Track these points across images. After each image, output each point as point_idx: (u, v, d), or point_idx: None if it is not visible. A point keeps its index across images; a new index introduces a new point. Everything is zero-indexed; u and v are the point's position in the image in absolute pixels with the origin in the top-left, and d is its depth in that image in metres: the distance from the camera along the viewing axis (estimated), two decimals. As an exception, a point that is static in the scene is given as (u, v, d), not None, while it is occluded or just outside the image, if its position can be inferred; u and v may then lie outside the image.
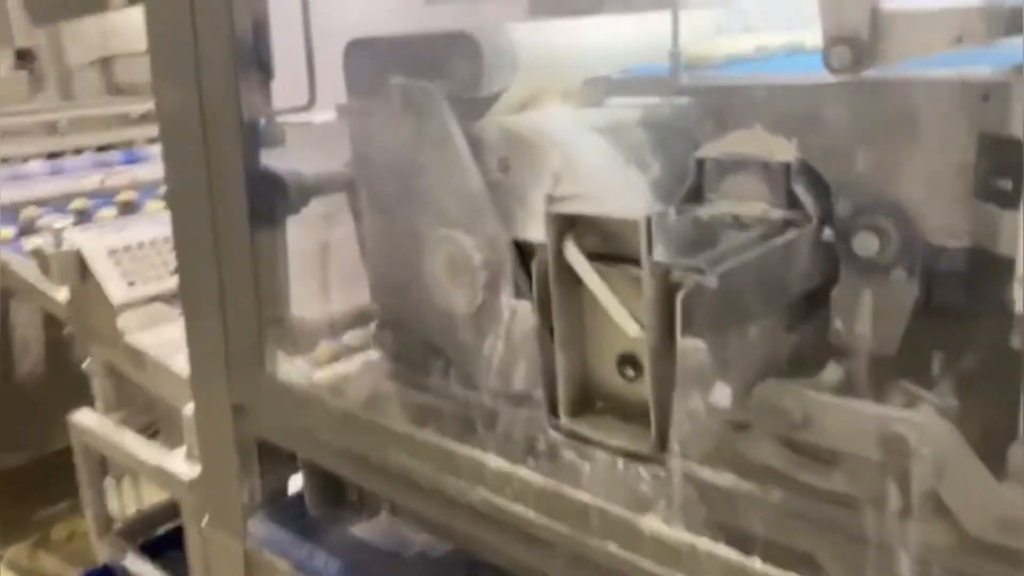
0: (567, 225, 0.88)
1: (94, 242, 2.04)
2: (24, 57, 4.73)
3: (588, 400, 0.95)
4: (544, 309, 0.91)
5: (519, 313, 0.92)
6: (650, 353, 0.84)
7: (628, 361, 0.91)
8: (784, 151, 0.98)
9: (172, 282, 2.08)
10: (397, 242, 1.26)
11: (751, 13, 1.59)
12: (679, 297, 0.79)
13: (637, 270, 0.85)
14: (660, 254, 0.83)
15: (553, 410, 0.94)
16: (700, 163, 1.05)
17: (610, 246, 0.88)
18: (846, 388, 0.97)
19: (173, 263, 2.10)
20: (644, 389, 0.91)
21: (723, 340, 0.87)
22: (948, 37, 0.82)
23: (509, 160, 1.16)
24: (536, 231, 1.10)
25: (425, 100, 1.18)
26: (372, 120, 1.27)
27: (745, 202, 1.03)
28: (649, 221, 0.80)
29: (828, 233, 0.98)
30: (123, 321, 2.02)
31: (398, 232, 1.26)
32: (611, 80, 1.13)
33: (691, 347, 0.80)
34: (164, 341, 1.96)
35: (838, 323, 0.98)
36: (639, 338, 0.85)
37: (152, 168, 3.20)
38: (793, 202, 0.99)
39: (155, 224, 2.18)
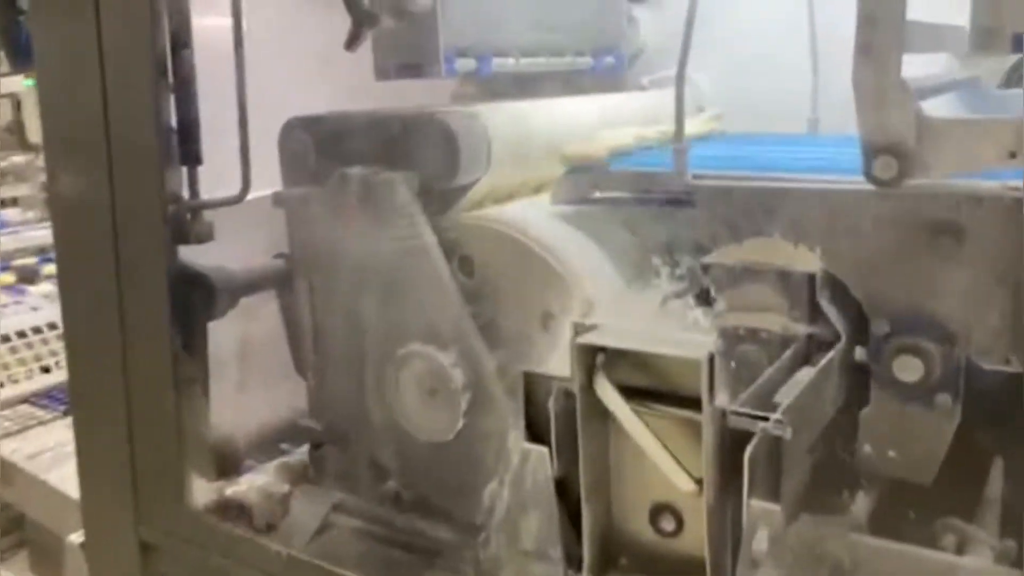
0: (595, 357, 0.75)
1: (-51, 335, 1.74)
2: None
3: (610, 556, 0.82)
4: (566, 453, 0.78)
5: (533, 458, 0.77)
6: (708, 510, 0.71)
7: (665, 512, 0.78)
8: (807, 262, 0.90)
9: (46, 380, 1.80)
10: (349, 353, 1.09)
11: (705, 92, 1.54)
12: (748, 453, 0.67)
13: (680, 410, 0.74)
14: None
15: (574, 568, 0.80)
16: (706, 269, 0.95)
17: (643, 380, 0.76)
18: (880, 521, 0.89)
19: (46, 358, 1.83)
20: (684, 544, 0.78)
21: (775, 484, 0.76)
22: (1002, 151, 0.76)
23: (474, 262, 1.03)
24: (520, 347, 0.97)
25: (388, 192, 1.03)
26: (318, 211, 1.10)
27: (759, 314, 0.93)
28: (712, 361, 0.68)
29: (859, 352, 0.90)
30: (-14, 427, 1.72)
31: (351, 342, 1.09)
32: (602, 173, 1.02)
33: (759, 510, 0.68)
34: (38, 451, 1.67)
35: (867, 448, 0.90)
36: (689, 491, 0.73)
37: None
38: (815, 316, 0.91)
39: (21, 313, 1.89)
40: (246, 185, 1.13)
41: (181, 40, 1.03)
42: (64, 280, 1.18)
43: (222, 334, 1.22)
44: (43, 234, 2.90)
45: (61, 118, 1.09)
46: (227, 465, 1.23)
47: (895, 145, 0.79)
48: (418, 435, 1.03)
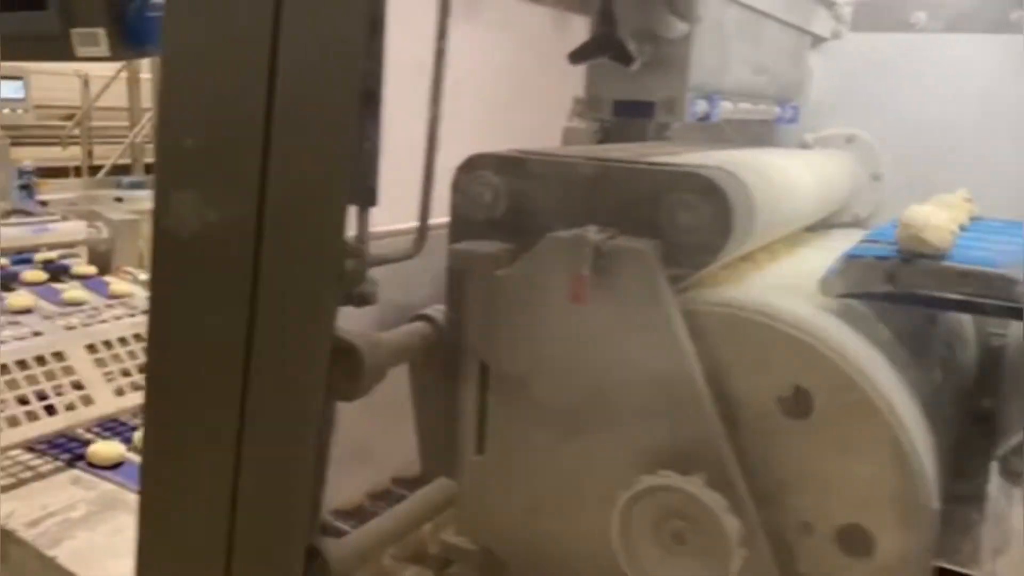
0: None
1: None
2: None
3: None
4: None
5: None
6: None
7: None
8: None
9: (53, 423, 1.49)
10: (538, 467, 0.85)
11: (879, 156, 1.35)
12: None
13: None
14: None
15: None
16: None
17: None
18: None
19: (52, 392, 1.51)
20: None
21: None
22: None
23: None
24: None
25: (630, 264, 0.79)
26: (515, 279, 0.86)
27: None
28: None
29: None
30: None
31: (543, 454, 0.85)
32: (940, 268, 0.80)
33: None
34: (40, 515, 1.36)
35: None
36: None
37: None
38: None
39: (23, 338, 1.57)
40: (422, 235, 0.89)
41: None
42: (158, 329, 0.90)
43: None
44: (13, 232, 2.55)
45: (191, 127, 0.82)
46: None
47: None
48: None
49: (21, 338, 1.55)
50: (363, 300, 0.83)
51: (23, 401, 1.48)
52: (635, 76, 0.89)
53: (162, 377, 0.89)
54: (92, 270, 2.50)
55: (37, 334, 1.58)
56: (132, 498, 1.45)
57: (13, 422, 1.44)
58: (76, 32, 0.95)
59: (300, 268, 0.79)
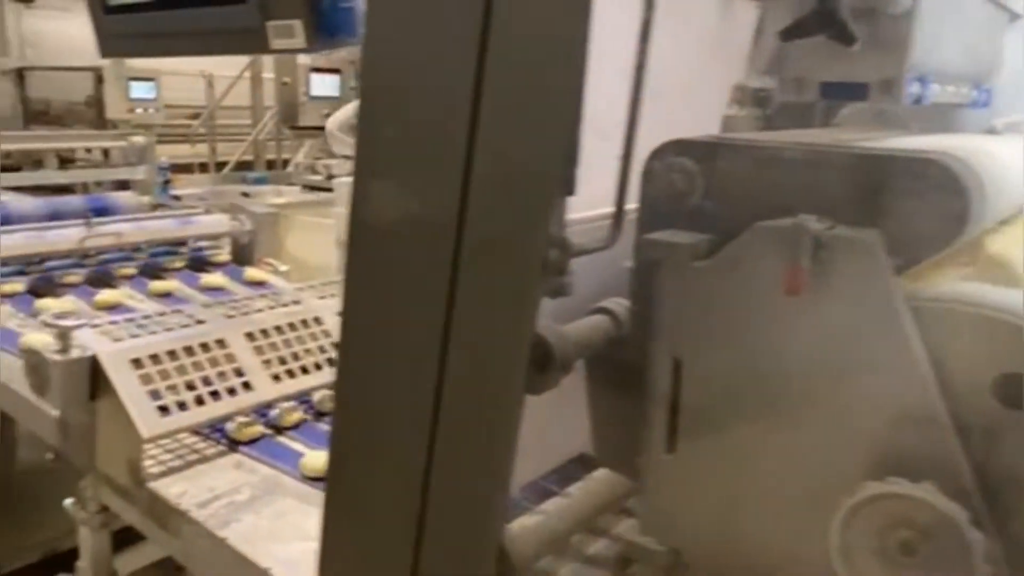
0: None
1: (114, 345, 1.47)
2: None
3: None
4: None
5: None
6: None
7: None
8: None
9: (217, 408, 1.54)
10: (740, 471, 0.81)
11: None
12: None
13: None
14: None
15: None
16: None
17: None
18: None
19: (216, 379, 1.56)
20: None
21: None
22: None
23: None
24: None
25: (854, 256, 0.74)
26: (718, 270, 0.82)
27: None
28: None
29: None
30: (149, 461, 1.46)
31: (745, 457, 0.81)
32: None
33: None
34: (209, 497, 1.41)
35: None
36: None
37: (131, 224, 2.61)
38: None
39: (176, 319, 1.63)
40: (618, 224, 0.86)
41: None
42: (352, 320, 0.90)
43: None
44: (162, 225, 2.67)
45: (392, 116, 0.82)
46: None
47: None
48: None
49: (186, 325, 1.61)
50: (559, 292, 0.81)
51: (190, 387, 1.53)
52: (846, 56, 0.84)
53: (355, 368, 0.90)
54: (227, 257, 2.62)
55: (200, 322, 1.64)
56: (291, 482, 1.49)
57: (182, 406, 1.49)
58: (272, 24, 0.97)
59: (503, 257, 0.77)
